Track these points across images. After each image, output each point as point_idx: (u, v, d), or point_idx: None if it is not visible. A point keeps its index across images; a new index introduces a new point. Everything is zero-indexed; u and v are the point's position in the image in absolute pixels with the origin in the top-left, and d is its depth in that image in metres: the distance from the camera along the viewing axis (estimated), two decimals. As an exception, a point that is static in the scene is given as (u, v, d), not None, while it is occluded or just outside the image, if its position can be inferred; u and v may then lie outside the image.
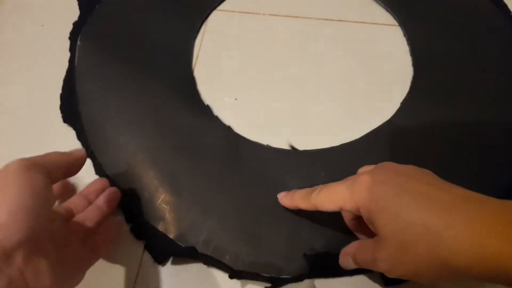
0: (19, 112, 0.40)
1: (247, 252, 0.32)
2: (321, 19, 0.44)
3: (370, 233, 0.28)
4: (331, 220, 0.32)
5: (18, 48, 0.44)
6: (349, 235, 0.32)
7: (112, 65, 0.41)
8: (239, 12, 0.45)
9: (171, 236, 0.33)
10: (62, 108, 0.39)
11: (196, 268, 0.32)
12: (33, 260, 0.23)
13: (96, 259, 0.30)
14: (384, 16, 0.44)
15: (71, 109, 0.39)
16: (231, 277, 0.31)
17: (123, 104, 0.39)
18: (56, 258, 0.25)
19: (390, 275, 0.25)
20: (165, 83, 0.40)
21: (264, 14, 0.45)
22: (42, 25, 0.45)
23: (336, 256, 0.30)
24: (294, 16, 0.44)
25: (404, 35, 0.42)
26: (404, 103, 0.38)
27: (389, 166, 0.27)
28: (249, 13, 0.45)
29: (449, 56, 0.40)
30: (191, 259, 0.32)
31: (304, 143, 0.37)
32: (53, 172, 0.27)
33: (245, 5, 0.45)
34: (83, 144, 0.37)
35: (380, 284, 0.31)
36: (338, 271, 0.31)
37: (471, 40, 0.41)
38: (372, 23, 0.43)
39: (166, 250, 0.32)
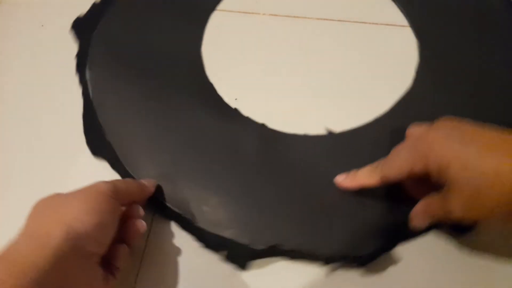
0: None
1: (318, 242, 0.32)
2: (321, 19, 0.45)
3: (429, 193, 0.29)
4: (381, 194, 0.34)
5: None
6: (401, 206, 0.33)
7: (128, 87, 0.40)
8: (239, 12, 0.45)
9: (243, 242, 0.33)
10: (89, 143, 0.38)
11: (196, 266, 0.33)
12: None
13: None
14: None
15: (98, 141, 0.38)
16: (327, 262, 0.31)
17: (150, 124, 0.38)
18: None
19: (464, 221, 0.27)
20: (184, 92, 0.40)
21: (264, 14, 0.45)
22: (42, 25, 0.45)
23: (399, 225, 0.32)
24: (294, 16, 0.45)
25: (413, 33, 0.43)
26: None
27: (447, 121, 0.28)
28: (250, 13, 0.45)
29: (456, 50, 0.41)
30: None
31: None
32: (125, 200, 0.30)
33: (246, 5, 0.46)
34: (120, 173, 0.36)
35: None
36: (410, 235, 0.32)
37: (481, 39, 0.42)
38: (373, 23, 0.44)
39: (246, 256, 0.32)
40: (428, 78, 0.40)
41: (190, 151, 0.37)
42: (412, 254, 0.32)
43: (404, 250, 0.33)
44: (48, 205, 0.27)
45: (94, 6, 0.46)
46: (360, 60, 0.42)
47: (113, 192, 0.28)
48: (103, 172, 0.37)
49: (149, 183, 0.34)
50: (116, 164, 0.37)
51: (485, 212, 0.26)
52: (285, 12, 0.45)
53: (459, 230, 0.32)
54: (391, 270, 0.32)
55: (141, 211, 0.31)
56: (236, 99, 0.40)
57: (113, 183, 0.29)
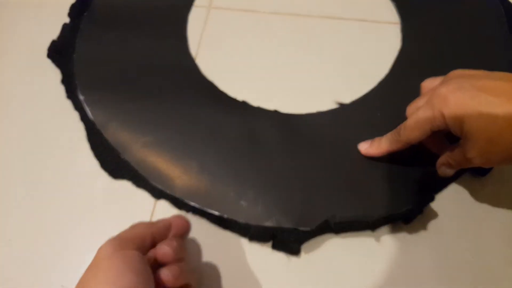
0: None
1: (361, 209, 0.33)
2: (321, 16, 0.45)
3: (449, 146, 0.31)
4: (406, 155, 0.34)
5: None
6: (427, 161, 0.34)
7: (127, 102, 0.39)
8: (239, 10, 0.45)
9: (288, 226, 0.33)
10: (105, 166, 0.36)
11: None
12: None
13: None
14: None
15: (113, 163, 0.36)
16: (374, 227, 0.32)
17: (162, 133, 0.37)
18: None
19: (485, 165, 0.29)
20: (186, 94, 0.40)
21: (264, 12, 0.45)
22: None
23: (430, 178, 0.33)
24: (295, 14, 0.45)
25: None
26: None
27: (457, 74, 0.30)
28: (250, 11, 0.45)
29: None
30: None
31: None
32: (141, 244, 0.27)
33: (245, 3, 0.45)
34: (147, 189, 0.35)
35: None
36: (442, 184, 0.34)
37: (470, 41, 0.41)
38: (373, 21, 0.44)
39: (295, 239, 0.32)
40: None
41: (212, 152, 0.36)
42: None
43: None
44: (105, 272, 0.24)
45: (64, 27, 0.44)
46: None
47: (120, 245, 0.25)
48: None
49: (179, 219, 0.30)
50: (140, 182, 0.36)
51: (501, 156, 0.27)
52: (284, 10, 0.45)
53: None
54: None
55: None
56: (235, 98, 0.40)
57: (117, 236, 0.26)
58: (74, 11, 0.45)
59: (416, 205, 0.33)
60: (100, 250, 0.25)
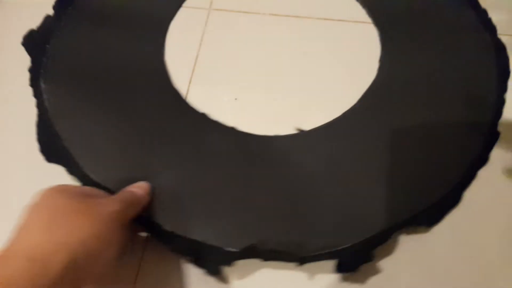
0: None
1: (303, 238, 0.31)
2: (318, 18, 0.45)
3: None
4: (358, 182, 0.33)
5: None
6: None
7: (87, 96, 0.39)
8: (239, 12, 0.45)
9: (216, 244, 0.31)
10: (44, 150, 0.36)
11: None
12: None
13: None
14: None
15: (54, 149, 0.36)
16: (301, 262, 0.30)
17: (111, 129, 0.37)
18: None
19: None
20: (147, 98, 0.39)
21: (264, 13, 0.45)
22: None
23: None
24: (295, 16, 0.45)
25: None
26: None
27: None
28: (249, 13, 0.45)
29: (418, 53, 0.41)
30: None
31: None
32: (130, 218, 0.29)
33: (245, 4, 0.45)
34: (79, 177, 0.34)
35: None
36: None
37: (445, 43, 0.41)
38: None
39: (218, 260, 0.30)
40: (391, 70, 0.40)
41: (157, 155, 0.35)
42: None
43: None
44: (52, 212, 0.24)
45: (46, 18, 0.44)
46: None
47: (121, 216, 0.26)
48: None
49: (141, 188, 0.32)
50: (73, 170, 0.35)
51: None
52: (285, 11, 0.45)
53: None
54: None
55: None
56: (236, 98, 0.40)
57: (120, 202, 0.27)
58: (59, 4, 0.45)
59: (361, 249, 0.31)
60: (107, 203, 0.26)
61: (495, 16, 0.42)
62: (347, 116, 0.38)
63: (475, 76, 0.39)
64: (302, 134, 0.37)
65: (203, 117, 0.38)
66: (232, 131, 0.37)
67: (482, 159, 0.34)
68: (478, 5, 0.42)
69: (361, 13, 0.44)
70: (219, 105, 0.39)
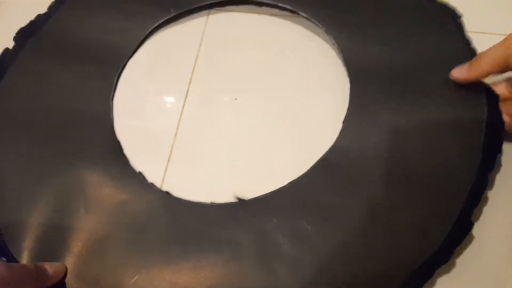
0: None
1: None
2: None
3: None
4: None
5: None
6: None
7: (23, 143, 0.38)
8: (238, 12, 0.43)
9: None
10: None
11: None
12: None
13: None
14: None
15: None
16: None
17: (33, 181, 0.36)
18: None
19: None
20: (86, 154, 0.37)
21: (264, 14, 0.43)
22: None
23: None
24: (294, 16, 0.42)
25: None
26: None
27: None
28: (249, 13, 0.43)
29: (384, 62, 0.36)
30: None
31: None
32: None
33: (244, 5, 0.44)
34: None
35: None
36: None
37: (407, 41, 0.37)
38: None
39: None
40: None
41: (87, 218, 0.34)
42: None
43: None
44: None
45: (5, 52, 0.43)
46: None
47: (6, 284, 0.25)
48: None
49: (53, 267, 0.30)
50: None
51: None
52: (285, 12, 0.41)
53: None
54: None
55: None
56: (236, 99, 0.39)
57: (8, 268, 0.26)
58: (20, 36, 0.44)
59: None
60: None
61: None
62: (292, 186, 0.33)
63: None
64: (239, 204, 0.33)
65: (139, 176, 0.36)
66: (166, 195, 0.35)
67: None
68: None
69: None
70: (219, 105, 0.38)
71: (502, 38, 0.30)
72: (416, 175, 0.31)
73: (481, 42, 0.34)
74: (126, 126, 0.39)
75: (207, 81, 0.40)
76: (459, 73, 0.32)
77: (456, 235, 0.29)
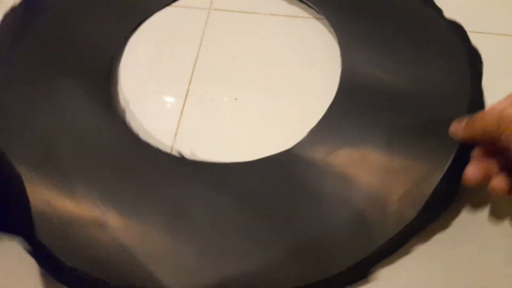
0: None
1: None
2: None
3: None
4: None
5: None
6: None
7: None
8: (238, 12, 0.44)
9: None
10: None
11: None
12: None
13: None
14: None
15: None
16: None
17: None
18: None
19: None
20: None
21: (264, 14, 0.43)
22: None
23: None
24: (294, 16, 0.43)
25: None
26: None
27: None
28: (249, 13, 0.43)
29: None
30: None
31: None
32: None
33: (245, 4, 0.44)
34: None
35: None
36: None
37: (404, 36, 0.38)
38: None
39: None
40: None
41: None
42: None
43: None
44: None
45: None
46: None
47: None
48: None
49: None
50: None
51: None
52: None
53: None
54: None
55: None
56: (236, 98, 0.39)
57: None
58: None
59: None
60: None
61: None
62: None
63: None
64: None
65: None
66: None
67: None
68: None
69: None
70: (219, 105, 0.38)
71: (502, 38, 0.30)
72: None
73: (481, 42, 0.34)
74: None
75: (207, 81, 0.40)
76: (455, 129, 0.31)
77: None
